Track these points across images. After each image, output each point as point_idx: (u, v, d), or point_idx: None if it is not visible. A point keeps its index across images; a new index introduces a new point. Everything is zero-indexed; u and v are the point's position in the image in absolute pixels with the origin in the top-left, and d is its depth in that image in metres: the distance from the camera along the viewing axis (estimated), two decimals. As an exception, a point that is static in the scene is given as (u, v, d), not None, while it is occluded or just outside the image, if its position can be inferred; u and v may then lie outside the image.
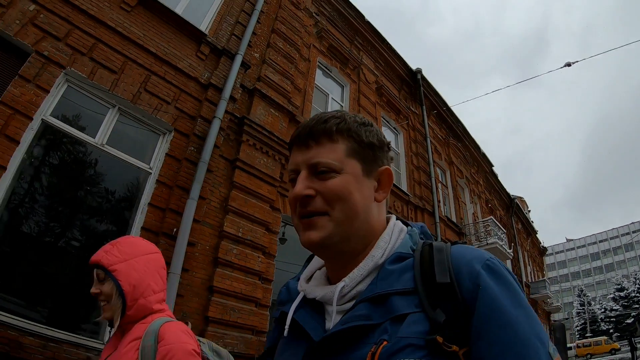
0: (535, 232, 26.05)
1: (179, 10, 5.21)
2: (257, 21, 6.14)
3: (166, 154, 4.64)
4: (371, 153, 0.75)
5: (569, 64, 7.87)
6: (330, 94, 7.98)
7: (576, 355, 35.66)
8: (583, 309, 57.15)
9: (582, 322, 56.29)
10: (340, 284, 0.70)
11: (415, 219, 8.89)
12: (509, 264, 14.98)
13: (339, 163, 0.71)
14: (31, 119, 3.78)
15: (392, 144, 7.86)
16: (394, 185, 8.62)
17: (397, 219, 0.82)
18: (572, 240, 79.60)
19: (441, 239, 9.32)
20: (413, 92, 11.17)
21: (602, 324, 55.85)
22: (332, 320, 0.69)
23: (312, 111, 6.86)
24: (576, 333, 56.73)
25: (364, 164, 0.74)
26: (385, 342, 0.59)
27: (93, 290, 1.40)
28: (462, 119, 13.56)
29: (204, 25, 5.54)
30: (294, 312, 0.74)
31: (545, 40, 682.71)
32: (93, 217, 4.29)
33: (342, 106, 8.08)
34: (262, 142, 5.41)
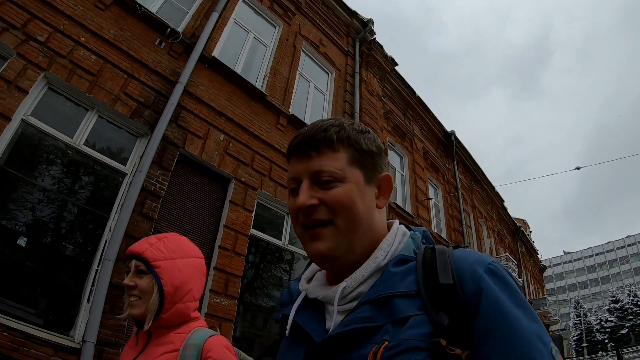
0: (536, 253, 28.61)
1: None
2: (350, 115, 8.69)
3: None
4: (371, 160, 0.77)
5: (578, 168, 9.88)
6: (396, 167, 10.50)
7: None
8: (579, 320, 59.47)
9: (579, 332, 58.58)
10: (342, 284, 0.71)
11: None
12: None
13: (342, 172, 0.72)
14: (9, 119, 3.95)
15: (434, 198, 10.47)
16: (439, 235, 11.21)
17: (400, 223, 0.83)
18: (570, 253, 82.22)
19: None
20: (447, 149, 13.73)
21: (598, 334, 58.17)
22: (333, 321, 0.70)
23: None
24: (572, 343, 59.06)
25: (364, 171, 0.75)
26: (386, 342, 0.60)
27: (127, 282, 1.31)
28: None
29: None
30: (295, 313, 0.76)
31: (547, 50, 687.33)
32: (75, 216, 4.39)
33: (403, 176, 10.64)
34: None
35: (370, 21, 10.21)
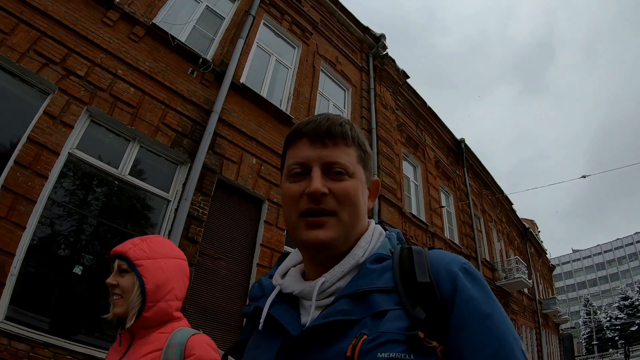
0: (545, 252, 28.76)
1: None
2: (368, 131, 9.04)
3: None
4: (370, 163, 0.82)
5: (584, 176, 10.31)
6: (410, 178, 10.84)
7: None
8: (589, 318, 59.40)
9: (589, 330, 58.51)
10: (321, 279, 0.72)
11: (467, 265, 11.77)
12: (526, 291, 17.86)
13: (352, 167, 0.75)
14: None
15: (446, 206, 10.79)
16: (452, 242, 11.53)
17: (376, 223, 0.85)
18: (578, 250, 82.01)
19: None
20: (457, 157, 14.03)
21: (608, 332, 58.05)
22: (310, 315, 0.70)
23: (405, 200, 9.74)
24: (583, 341, 58.95)
25: (365, 171, 0.80)
26: (365, 336, 0.61)
27: (110, 280, 1.34)
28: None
29: None
30: (270, 307, 0.75)
31: (551, 47, 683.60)
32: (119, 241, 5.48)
33: (416, 185, 10.96)
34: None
35: (383, 36, 10.54)
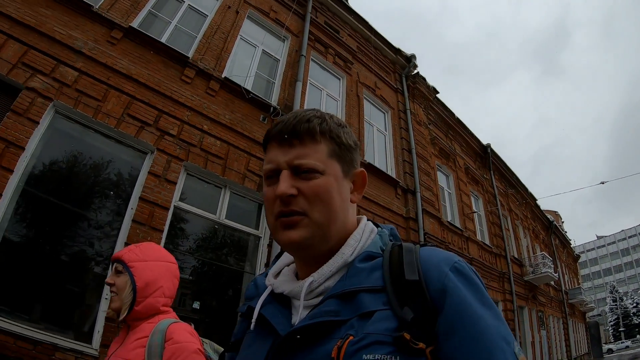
0: (569, 243, 29.24)
1: (379, 165, 9.02)
2: (408, 151, 9.96)
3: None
4: (349, 155, 0.79)
5: (602, 183, 10.92)
6: (444, 187, 11.73)
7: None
8: (616, 304, 59.27)
9: (615, 317, 58.44)
10: (309, 279, 0.73)
11: (498, 265, 12.66)
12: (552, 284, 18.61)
13: (322, 164, 0.74)
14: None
15: (477, 211, 11.67)
16: (484, 243, 12.42)
17: (367, 220, 0.84)
18: (603, 237, 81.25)
19: (513, 276, 13.08)
20: (484, 161, 14.83)
21: (635, 318, 57.87)
22: (299, 315, 0.70)
23: (441, 209, 10.65)
24: (610, 328, 58.87)
25: (342, 165, 0.77)
26: (351, 337, 0.61)
27: (108, 280, 1.56)
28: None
29: (390, 171, 9.29)
30: (261, 306, 0.75)
31: (566, 30, 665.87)
32: (227, 279, 5.60)
33: (450, 193, 11.86)
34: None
35: (413, 56, 11.40)
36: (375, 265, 0.72)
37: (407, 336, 0.59)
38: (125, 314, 1.49)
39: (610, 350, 37.52)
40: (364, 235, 0.78)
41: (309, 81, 8.25)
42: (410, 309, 0.62)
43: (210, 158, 5.79)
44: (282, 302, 0.77)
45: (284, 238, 0.72)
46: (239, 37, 7.36)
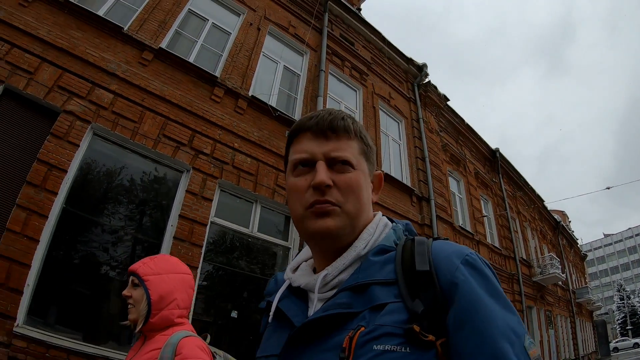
0: (576, 242, 29.46)
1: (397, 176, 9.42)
2: (422, 159, 10.33)
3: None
4: (372, 156, 0.84)
5: (608, 188, 11.14)
6: (455, 192, 12.09)
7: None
8: (623, 303, 59.26)
9: (623, 315, 58.44)
10: (323, 273, 0.75)
11: (507, 267, 13.04)
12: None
13: (355, 159, 0.78)
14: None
15: (487, 215, 12.05)
16: (493, 245, 12.80)
17: (382, 215, 0.86)
18: (610, 235, 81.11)
19: (522, 277, 13.45)
20: (493, 165, 15.18)
21: (642, 316, 57.85)
22: (314, 307, 0.73)
23: (453, 214, 11.03)
24: (617, 326, 58.89)
25: (368, 164, 0.82)
26: (362, 328, 0.63)
27: (125, 292, 1.61)
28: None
29: (406, 180, 9.62)
30: (279, 300, 0.80)
31: (571, 25, 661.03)
32: (260, 287, 5.87)
33: (461, 198, 12.23)
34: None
35: (425, 65, 11.74)
36: (388, 258, 0.73)
37: (417, 328, 0.60)
38: (141, 325, 1.54)
39: (616, 349, 37.57)
40: (378, 229, 0.80)
41: (329, 94, 8.62)
42: (421, 301, 0.63)
43: (242, 175, 6.07)
44: (299, 295, 0.80)
45: (317, 226, 0.74)
46: (261, 54, 7.71)
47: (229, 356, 1.67)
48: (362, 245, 0.76)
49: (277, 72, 7.98)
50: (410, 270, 0.68)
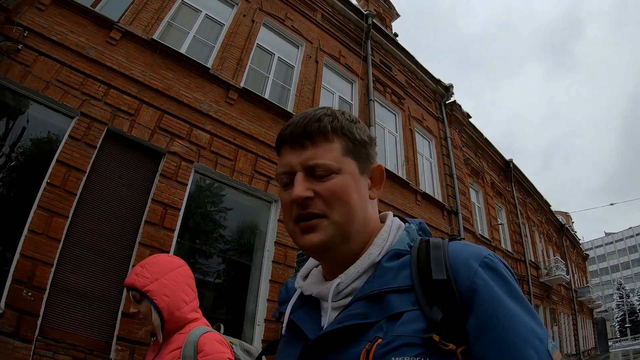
0: (579, 243, 30.81)
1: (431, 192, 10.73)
2: (450, 176, 11.56)
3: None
4: (364, 150, 0.77)
5: (612, 204, 12.25)
6: (475, 203, 13.46)
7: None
8: (622, 301, 60.72)
9: (622, 313, 59.94)
10: (337, 281, 0.71)
11: (518, 269, 14.49)
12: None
13: (337, 163, 0.71)
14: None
15: (502, 223, 13.50)
16: (506, 250, 14.23)
17: (394, 215, 0.82)
18: (611, 234, 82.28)
19: (531, 279, 14.89)
20: (506, 174, 16.51)
21: (640, 314, 59.32)
22: (328, 317, 0.70)
23: (474, 223, 12.41)
24: (616, 324, 60.42)
25: (358, 162, 0.75)
26: (380, 340, 0.60)
27: (131, 310, 1.56)
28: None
29: (437, 196, 10.70)
30: (291, 311, 0.76)
31: (578, 20, 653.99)
32: None
33: (480, 208, 13.64)
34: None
35: (451, 86, 12.96)
36: (403, 263, 0.70)
37: (437, 338, 0.58)
38: (161, 334, 1.54)
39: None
40: (392, 232, 0.76)
41: (376, 123, 9.61)
42: (440, 308, 0.61)
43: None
44: (311, 304, 0.77)
45: (304, 242, 0.71)
46: (322, 86, 8.79)
47: (245, 343, 1.68)
48: (376, 251, 0.73)
49: (333, 103, 9.05)
50: (426, 277, 0.65)
